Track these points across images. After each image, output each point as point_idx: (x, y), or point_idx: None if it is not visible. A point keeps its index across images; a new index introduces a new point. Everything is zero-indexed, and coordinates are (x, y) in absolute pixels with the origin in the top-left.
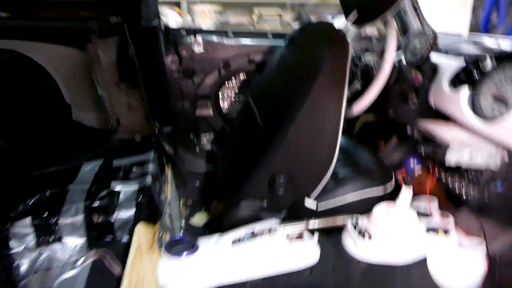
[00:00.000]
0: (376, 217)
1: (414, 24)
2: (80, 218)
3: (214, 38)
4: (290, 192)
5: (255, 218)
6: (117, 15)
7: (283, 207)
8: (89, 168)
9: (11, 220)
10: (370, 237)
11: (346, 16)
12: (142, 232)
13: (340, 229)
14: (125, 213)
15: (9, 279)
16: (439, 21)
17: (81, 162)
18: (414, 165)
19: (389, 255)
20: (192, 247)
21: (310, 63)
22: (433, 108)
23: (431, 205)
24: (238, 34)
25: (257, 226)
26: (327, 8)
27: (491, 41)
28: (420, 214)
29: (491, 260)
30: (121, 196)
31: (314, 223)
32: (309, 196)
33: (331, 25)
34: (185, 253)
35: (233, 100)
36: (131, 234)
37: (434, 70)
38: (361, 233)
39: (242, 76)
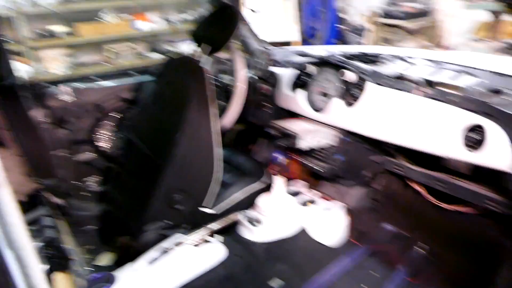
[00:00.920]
0: (261, 205)
1: (253, 44)
2: None
3: (81, 85)
4: (188, 205)
5: (163, 237)
6: None
7: (185, 220)
8: None
9: None
10: (260, 223)
11: (199, 47)
12: (57, 282)
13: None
14: None
15: None
16: (276, 33)
17: None
18: (279, 157)
19: (278, 232)
20: (110, 280)
21: (180, 94)
22: (281, 109)
23: (299, 184)
24: (103, 77)
25: (166, 243)
26: (175, 36)
27: (312, 50)
28: (293, 194)
29: (350, 212)
30: None
31: (214, 226)
32: (203, 204)
33: (190, 58)
34: (104, 287)
35: (113, 139)
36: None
37: (276, 79)
38: (253, 222)
39: (116, 115)
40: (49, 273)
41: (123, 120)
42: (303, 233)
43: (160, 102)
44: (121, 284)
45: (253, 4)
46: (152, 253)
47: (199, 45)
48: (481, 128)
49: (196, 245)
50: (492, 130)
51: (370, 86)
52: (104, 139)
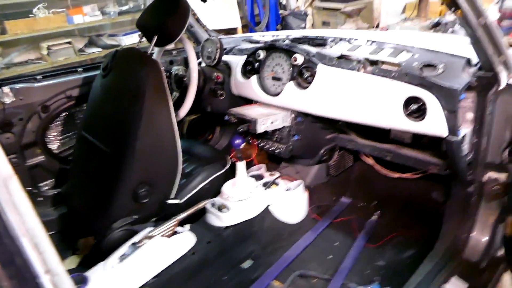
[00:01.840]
0: (226, 192)
1: (201, 33)
2: None
3: (23, 84)
4: (154, 197)
5: (133, 232)
6: None
7: (152, 213)
8: None
9: None
10: (227, 208)
11: (149, 40)
12: None
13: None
14: None
15: None
16: (217, 21)
17: None
18: (238, 143)
19: (244, 213)
20: (82, 281)
21: (132, 86)
22: (236, 96)
23: (260, 168)
24: (47, 74)
25: (135, 238)
26: (114, 29)
27: (260, 36)
28: (255, 177)
29: (309, 189)
30: None
31: (182, 215)
32: (170, 196)
33: (137, 50)
34: None
35: (63, 138)
36: None
37: (228, 67)
38: (219, 208)
39: (64, 113)
40: None
41: (73, 117)
42: (268, 214)
43: (111, 96)
44: (94, 283)
45: None
46: (122, 249)
47: (148, 37)
48: (420, 99)
49: (166, 236)
50: (429, 100)
51: (319, 68)
52: (55, 140)
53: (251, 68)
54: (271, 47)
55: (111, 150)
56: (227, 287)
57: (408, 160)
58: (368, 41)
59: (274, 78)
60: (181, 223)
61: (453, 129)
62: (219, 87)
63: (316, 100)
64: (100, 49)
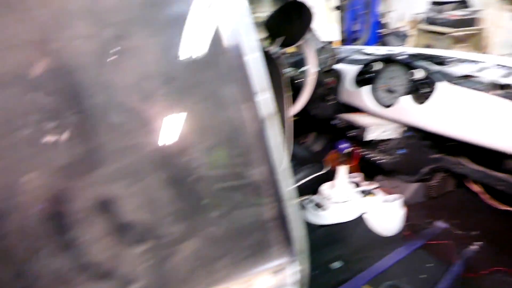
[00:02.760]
0: (325, 192)
1: (317, 40)
2: None
3: None
4: None
5: None
6: None
7: None
8: None
9: None
10: (324, 208)
11: (272, 40)
12: None
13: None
14: None
15: None
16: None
17: None
18: (343, 147)
19: (340, 216)
20: None
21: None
22: (341, 103)
23: (359, 176)
24: None
25: None
26: None
27: (374, 50)
28: (354, 183)
29: (406, 206)
30: None
31: None
32: None
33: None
34: None
35: None
36: None
37: (339, 75)
38: (317, 206)
39: None
40: None
41: None
42: (362, 221)
43: None
44: None
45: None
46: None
47: (271, 38)
48: None
49: None
50: None
51: (441, 85)
52: None
53: (363, 78)
54: (389, 60)
55: None
56: (317, 281)
57: None
58: (497, 64)
59: (388, 90)
60: None
61: None
62: (330, 92)
63: (433, 117)
64: None
